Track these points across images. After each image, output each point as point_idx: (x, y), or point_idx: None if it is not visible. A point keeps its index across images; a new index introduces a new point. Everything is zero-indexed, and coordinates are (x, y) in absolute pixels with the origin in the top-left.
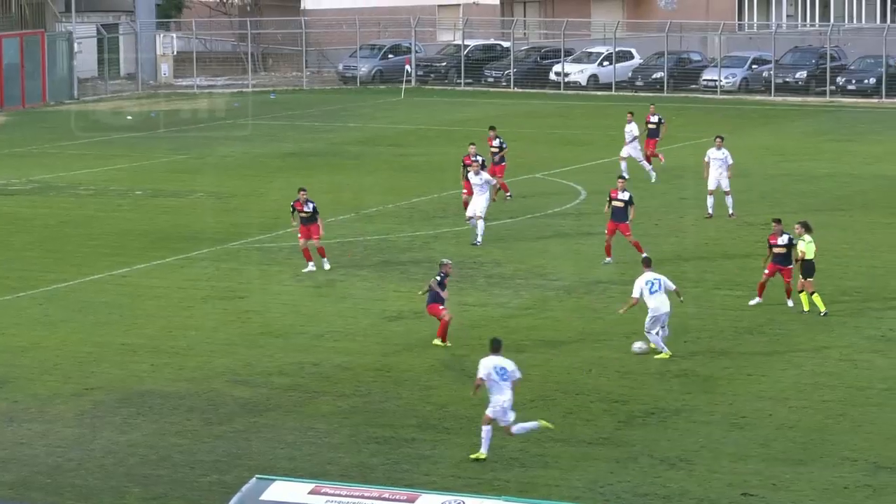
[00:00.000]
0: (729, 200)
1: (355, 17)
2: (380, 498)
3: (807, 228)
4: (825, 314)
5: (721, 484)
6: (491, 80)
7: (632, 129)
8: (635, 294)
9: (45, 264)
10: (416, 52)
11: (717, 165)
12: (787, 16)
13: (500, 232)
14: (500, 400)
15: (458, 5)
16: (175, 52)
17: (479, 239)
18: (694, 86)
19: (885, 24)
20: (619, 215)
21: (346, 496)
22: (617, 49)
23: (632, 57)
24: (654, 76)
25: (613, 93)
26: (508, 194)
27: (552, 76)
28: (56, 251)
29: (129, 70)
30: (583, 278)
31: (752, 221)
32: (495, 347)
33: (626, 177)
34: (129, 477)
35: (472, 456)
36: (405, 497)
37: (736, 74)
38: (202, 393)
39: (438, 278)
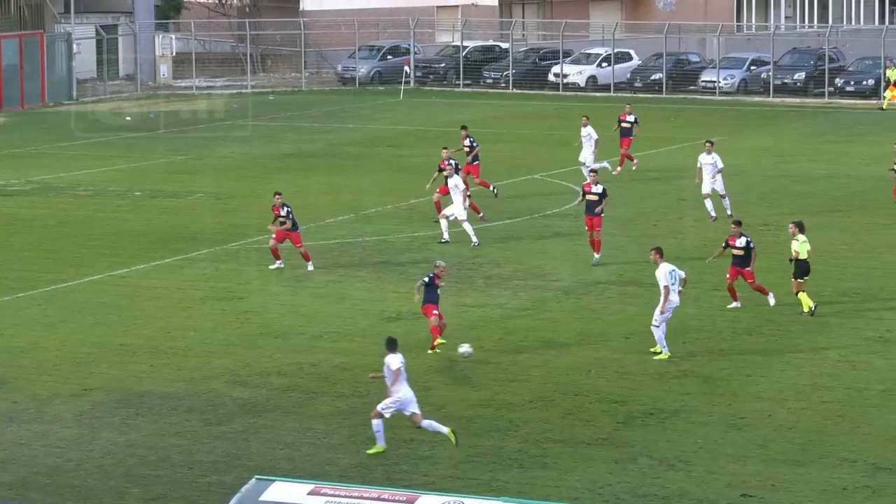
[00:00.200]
0: (726, 202)
1: (354, 18)
2: (379, 499)
3: (800, 228)
4: (810, 313)
5: (720, 485)
6: (490, 81)
7: (589, 132)
8: (667, 282)
9: (44, 265)
10: (415, 53)
11: (709, 170)
12: (786, 17)
13: (499, 233)
14: (399, 394)
15: (457, 6)
16: (174, 53)
17: (475, 239)
18: (693, 87)
19: (884, 26)
20: (594, 208)
21: (345, 497)
22: (615, 50)
23: (630, 58)
24: (652, 77)
25: (612, 94)
26: (493, 190)
27: (551, 77)
28: (55, 252)
29: (128, 71)
30: (581, 279)
31: (750, 222)
32: (391, 346)
33: (602, 168)
34: (128, 477)
35: (370, 451)
36: (404, 498)
37: (734, 76)
38: (201, 393)
39: (426, 279)
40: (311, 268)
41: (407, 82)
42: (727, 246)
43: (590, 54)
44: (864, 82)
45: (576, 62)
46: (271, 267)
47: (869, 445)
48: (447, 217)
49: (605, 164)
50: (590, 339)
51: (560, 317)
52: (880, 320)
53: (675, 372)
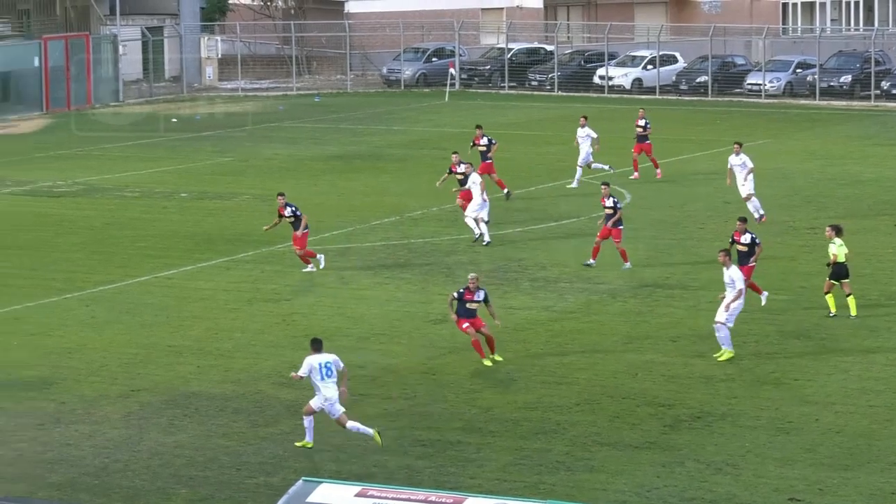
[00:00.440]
0: (756, 203)
1: (399, 20)
2: (426, 501)
3: (837, 232)
4: (833, 315)
5: (767, 489)
6: (535, 83)
7: (588, 132)
8: (742, 285)
9: (91, 266)
10: (460, 55)
11: (739, 171)
12: (831, 20)
13: (544, 234)
14: (326, 395)
15: (502, 9)
16: (219, 55)
17: (488, 238)
18: (738, 90)
19: None
20: (608, 220)
21: (392, 499)
22: (661, 53)
23: (676, 61)
24: (698, 80)
25: (658, 96)
26: (506, 191)
27: (596, 80)
28: (102, 253)
29: (173, 73)
30: (628, 282)
31: (796, 226)
32: (316, 347)
33: (599, 168)
34: (175, 478)
35: (298, 444)
36: (451, 500)
37: (780, 78)
38: (248, 395)
39: (456, 294)
40: (310, 268)
41: (452, 84)
42: (733, 242)
43: (635, 56)
44: None
45: (621, 65)
46: (307, 270)
47: None
48: (483, 220)
49: (606, 166)
50: (636, 343)
51: (606, 320)
52: None
53: (721, 375)
